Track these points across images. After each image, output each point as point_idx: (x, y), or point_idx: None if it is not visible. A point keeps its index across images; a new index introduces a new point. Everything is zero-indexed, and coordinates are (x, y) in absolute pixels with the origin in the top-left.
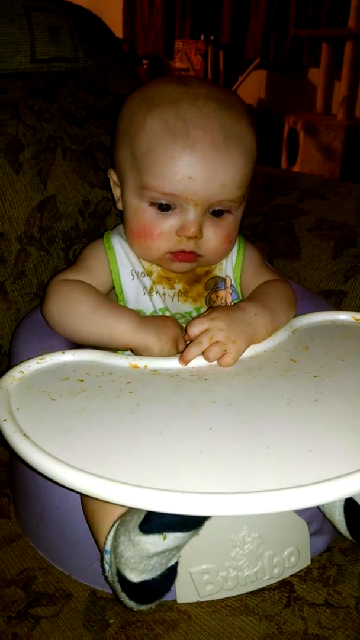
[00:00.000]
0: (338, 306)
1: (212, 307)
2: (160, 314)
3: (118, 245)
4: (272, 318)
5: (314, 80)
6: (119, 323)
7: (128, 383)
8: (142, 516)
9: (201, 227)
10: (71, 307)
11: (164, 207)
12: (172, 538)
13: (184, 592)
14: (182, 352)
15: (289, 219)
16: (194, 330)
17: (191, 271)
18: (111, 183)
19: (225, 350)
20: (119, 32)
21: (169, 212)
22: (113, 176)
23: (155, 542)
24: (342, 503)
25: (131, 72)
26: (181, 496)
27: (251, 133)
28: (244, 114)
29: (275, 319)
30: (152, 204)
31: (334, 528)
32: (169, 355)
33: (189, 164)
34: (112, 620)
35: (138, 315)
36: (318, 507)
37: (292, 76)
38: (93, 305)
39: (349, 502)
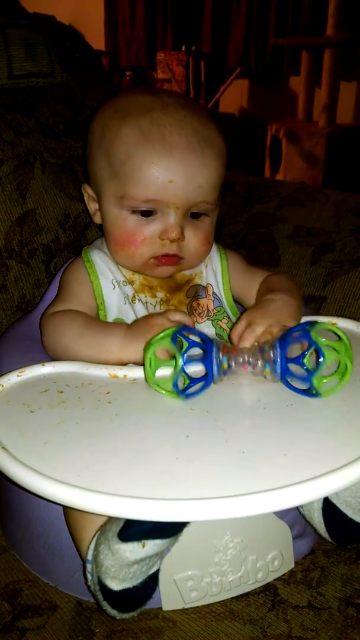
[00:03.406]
0: (317, 311)
1: (245, 312)
2: None
3: (97, 257)
4: (298, 298)
5: (294, 88)
6: (105, 344)
7: (107, 393)
8: (121, 524)
9: (182, 230)
10: (61, 337)
11: (146, 213)
12: (151, 545)
13: (169, 599)
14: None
15: (268, 227)
16: (246, 343)
17: (172, 279)
18: (85, 197)
19: None
20: (101, 44)
21: (150, 217)
22: (88, 190)
23: (134, 550)
24: (321, 505)
25: (109, 85)
26: (157, 503)
27: (221, 137)
28: (212, 120)
29: (300, 299)
30: (134, 211)
31: (315, 531)
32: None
33: (168, 168)
34: (97, 630)
35: (123, 329)
36: (298, 511)
37: (274, 84)
38: (79, 330)
39: (327, 505)
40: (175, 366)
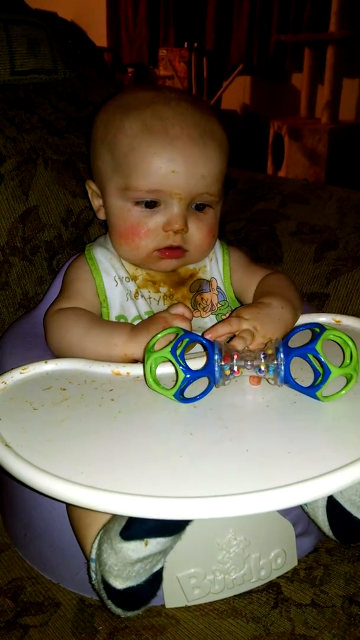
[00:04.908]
0: (321, 308)
1: (237, 308)
2: (146, 317)
3: (99, 254)
4: (294, 306)
5: (297, 85)
6: (112, 339)
7: (110, 391)
8: (123, 523)
9: (186, 221)
10: (66, 334)
11: (149, 205)
12: (154, 544)
13: (172, 596)
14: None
15: (272, 224)
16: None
17: (175, 274)
18: (90, 194)
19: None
20: (104, 41)
21: (154, 209)
22: (92, 186)
23: (136, 549)
24: (325, 503)
25: (111, 82)
26: (161, 501)
27: (222, 130)
28: (214, 114)
29: (296, 306)
30: (137, 203)
31: (319, 529)
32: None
33: (171, 159)
34: (100, 627)
35: (129, 326)
36: (302, 509)
37: (276, 81)
38: (85, 327)
39: (331, 503)
40: (177, 381)
